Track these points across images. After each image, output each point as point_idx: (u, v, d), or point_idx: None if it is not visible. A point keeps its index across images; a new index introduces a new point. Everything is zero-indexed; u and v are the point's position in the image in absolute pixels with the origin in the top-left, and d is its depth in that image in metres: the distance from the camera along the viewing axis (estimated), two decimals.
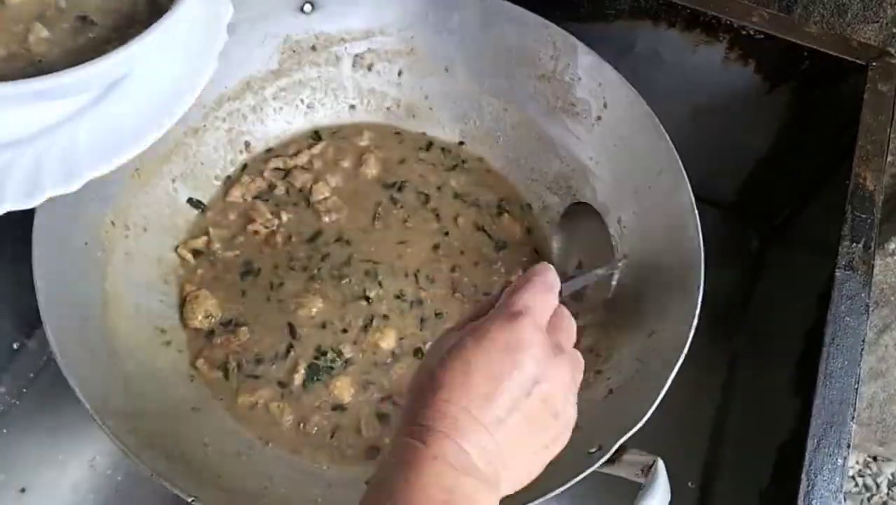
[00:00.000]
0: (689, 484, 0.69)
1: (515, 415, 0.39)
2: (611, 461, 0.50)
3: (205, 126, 0.72)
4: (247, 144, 0.75)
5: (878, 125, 0.66)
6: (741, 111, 0.76)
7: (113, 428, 0.49)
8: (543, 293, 0.43)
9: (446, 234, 0.73)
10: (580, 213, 0.71)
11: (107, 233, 0.63)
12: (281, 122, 0.76)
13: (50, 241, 0.55)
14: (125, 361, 0.59)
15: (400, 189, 0.74)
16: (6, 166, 0.40)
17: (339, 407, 0.63)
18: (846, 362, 0.55)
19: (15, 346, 0.69)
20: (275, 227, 0.71)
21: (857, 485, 1.26)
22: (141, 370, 0.60)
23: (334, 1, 0.71)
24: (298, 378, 0.63)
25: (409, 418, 0.38)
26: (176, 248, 0.68)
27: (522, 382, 0.39)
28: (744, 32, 0.69)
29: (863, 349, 0.56)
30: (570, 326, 0.45)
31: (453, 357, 0.39)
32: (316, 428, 0.62)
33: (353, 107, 0.77)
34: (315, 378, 0.63)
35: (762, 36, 0.69)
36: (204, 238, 0.69)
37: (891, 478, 1.27)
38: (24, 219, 0.54)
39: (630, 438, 0.50)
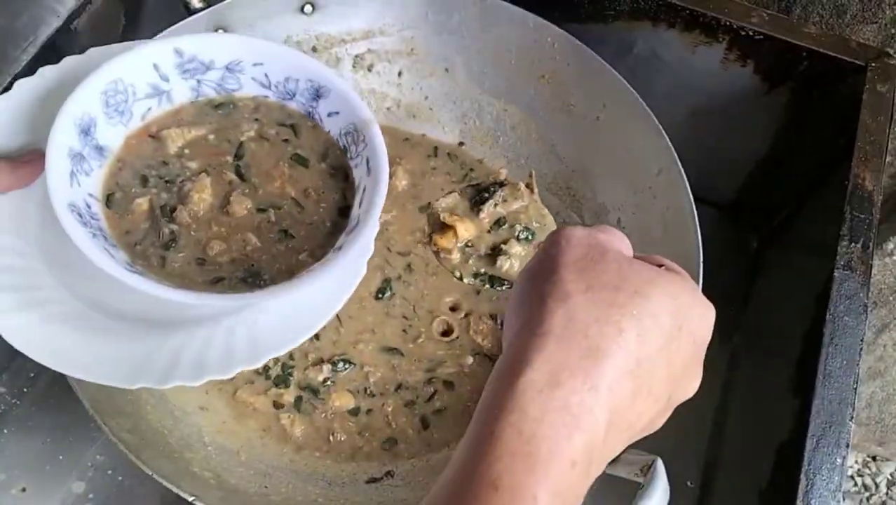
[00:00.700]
0: (689, 483, 0.69)
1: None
2: (610, 460, 0.50)
3: None
4: None
5: (877, 126, 0.66)
6: (740, 112, 0.76)
7: (113, 428, 0.50)
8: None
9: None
10: None
11: None
12: None
13: None
14: None
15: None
16: (181, 347, 0.47)
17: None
18: (845, 362, 0.55)
19: None
20: None
21: (855, 484, 1.27)
22: None
23: (335, 2, 0.71)
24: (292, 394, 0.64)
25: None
26: None
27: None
28: (743, 33, 0.69)
29: (861, 349, 0.56)
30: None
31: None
32: (340, 435, 0.63)
33: None
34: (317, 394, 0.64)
35: (761, 37, 0.69)
36: None
37: (889, 477, 1.27)
38: None
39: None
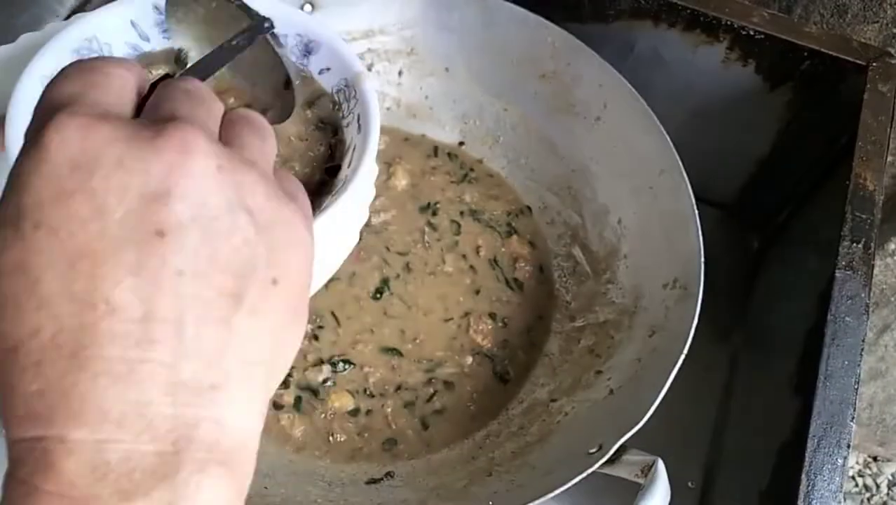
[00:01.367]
0: (689, 484, 0.69)
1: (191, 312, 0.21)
2: (610, 461, 0.50)
3: None
4: None
5: (879, 125, 0.66)
6: (741, 111, 0.76)
7: None
8: (185, 93, 0.25)
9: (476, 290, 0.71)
10: None
11: None
12: None
13: None
14: None
15: (435, 213, 0.74)
16: None
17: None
18: (846, 362, 0.55)
19: None
20: None
21: (857, 485, 1.26)
22: None
23: (335, 1, 0.71)
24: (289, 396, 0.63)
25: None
26: None
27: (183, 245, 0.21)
28: (744, 33, 0.69)
29: (863, 349, 0.56)
30: (248, 125, 0.26)
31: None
32: (339, 435, 0.63)
33: None
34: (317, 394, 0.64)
35: (762, 36, 0.69)
36: None
37: (891, 478, 1.27)
38: None
39: (630, 438, 0.50)
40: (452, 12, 0.72)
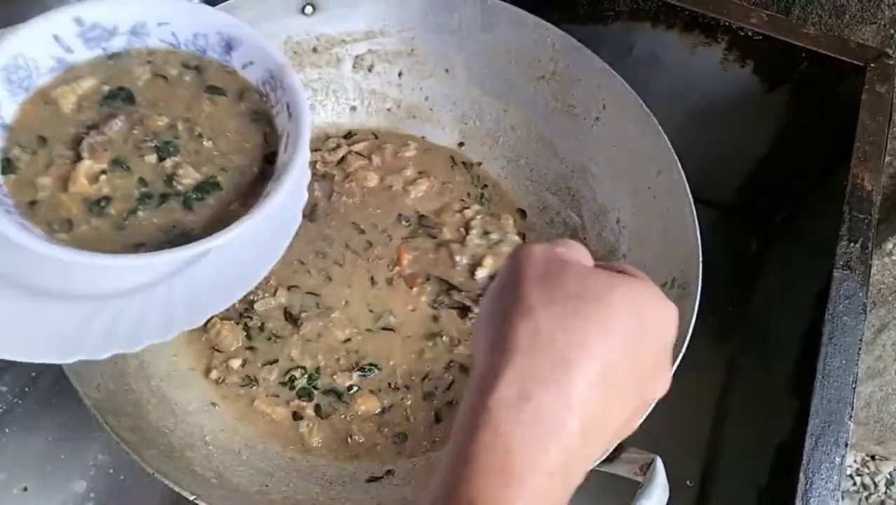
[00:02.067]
0: (688, 482, 0.70)
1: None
2: (609, 459, 0.50)
3: None
4: None
5: (876, 126, 0.66)
6: (739, 112, 0.76)
7: (114, 427, 0.50)
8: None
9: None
10: None
11: None
12: None
13: None
14: (127, 360, 0.59)
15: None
16: (117, 313, 0.46)
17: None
18: (844, 362, 0.55)
19: None
20: None
21: (854, 484, 1.27)
22: (142, 369, 0.60)
23: (335, 2, 0.71)
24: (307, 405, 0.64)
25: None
26: None
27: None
28: (742, 34, 0.69)
29: (860, 349, 0.56)
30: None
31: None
32: (358, 436, 0.63)
33: (353, 108, 0.78)
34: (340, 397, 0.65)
35: (760, 37, 0.69)
36: None
37: (888, 477, 1.27)
38: None
39: (628, 436, 0.50)
40: (452, 14, 0.72)
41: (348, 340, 0.66)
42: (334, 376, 0.64)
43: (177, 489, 0.49)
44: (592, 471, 0.49)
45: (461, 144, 0.79)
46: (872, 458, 1.28)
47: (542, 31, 0.70)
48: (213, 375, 0.63)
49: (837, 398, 0.54)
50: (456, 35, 0.73)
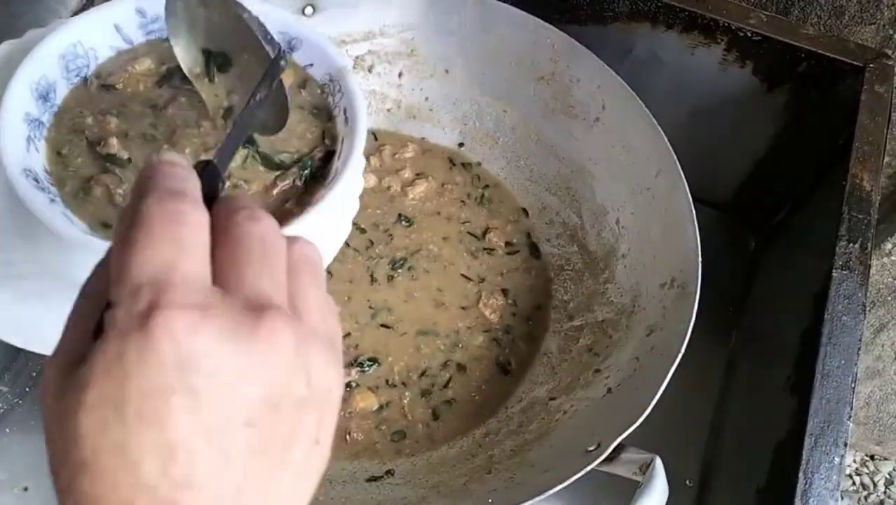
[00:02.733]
0: (687, 482, 0.70)
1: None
2: (609, 459, 0.51)
3: None
4: None
5: (875, 126, 0.66)
6: (738, 113, 0.76)
7: None
8: (173, 222, 0.24)
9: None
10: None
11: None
12: None
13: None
14: None
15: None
16: None
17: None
18: (843, 361, 0.55)
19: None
20: None
21: (854, 483, 1.27)
22: None
23: (335, 3, 0.71)
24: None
25: None
26: None
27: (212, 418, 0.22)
28: (741, 34, 0.69)
29: (859, 349, 0.56)
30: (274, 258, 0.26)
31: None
32: (357, 434, 0.63)
33: None
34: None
35: (759, 38, 0.69)
36: None
37: (888, 476, 1.27)
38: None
39: (628, 436, 0.50)
40: (452, 14, 0.72)
41: (348, 334, 0.66)
42: None
43: None
44: (593, 471, 0.50)
45: (461, 145, 0.79)
46: (872, 457, 1.29)
47: (542, 31, 0.70)
48: None
49: (836, 398, 0.54)
50: (456, 36, 0.73)
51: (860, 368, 0.56)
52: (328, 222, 0.48)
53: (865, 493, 1.26)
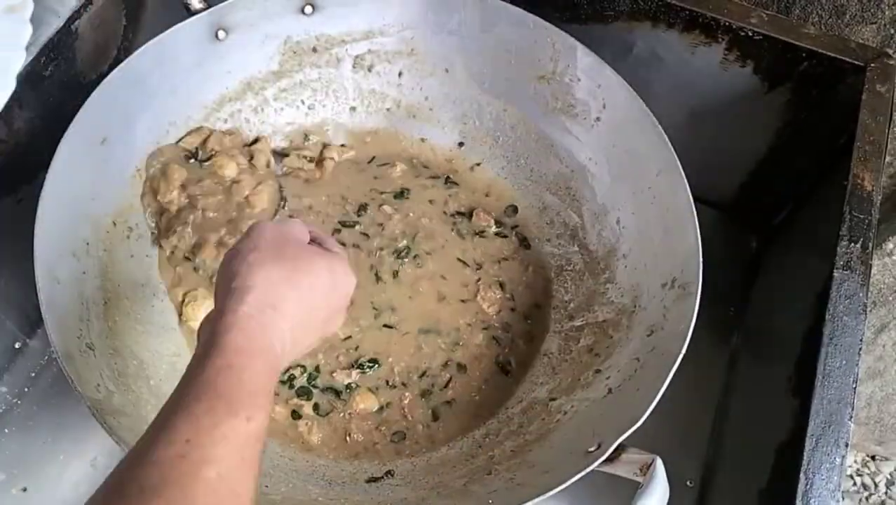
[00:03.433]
0: (688, 483, 0.70)
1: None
2: (609, 460, 0.50)
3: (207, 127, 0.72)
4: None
5: (877, 126, 0.66)
6: (739, 112, 0.76)
7: (113, 427, 0.50)
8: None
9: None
10: None
11: (108, 233, 0.63)
12: (282, 122, 0.76)
13: (51, 241, 0.55)
14: (127, 360, 0.59)
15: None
16: None
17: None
18: (844, 362, 0.55)
19: (16, 345, 0.70)
20: None
21: (855, 484, 1.27)
22: (142, 369, 0.60)
23: (335, 2, 0.71)
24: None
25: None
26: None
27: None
28: (742, 33, 0.69)
29: (861, 349, 0.56)
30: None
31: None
32: (357, 434, 0.63)
33: (353, 108, 0.78)
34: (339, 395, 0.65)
35: (760, 37, 0.69)
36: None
37: (889, 477, 1.27)
38: (25, 218, 0.54)
39: (629, 436, 0.50)
40: (452, 14, 0.72)
41: (349, 337, 0.66)
42: (333, 374, 0.65)
43: None
44: (593, 471, 0.50)
45: (461, 144, 0.79)
46: (873, 458, 1.28)
47: (543, 30, 0.70)
48: None
49: (838, 398, 0.54)
50: (456, 35, 0.73)
51: (861, 368, 0.56)
52: None
53: (867, 493, 1.26)
